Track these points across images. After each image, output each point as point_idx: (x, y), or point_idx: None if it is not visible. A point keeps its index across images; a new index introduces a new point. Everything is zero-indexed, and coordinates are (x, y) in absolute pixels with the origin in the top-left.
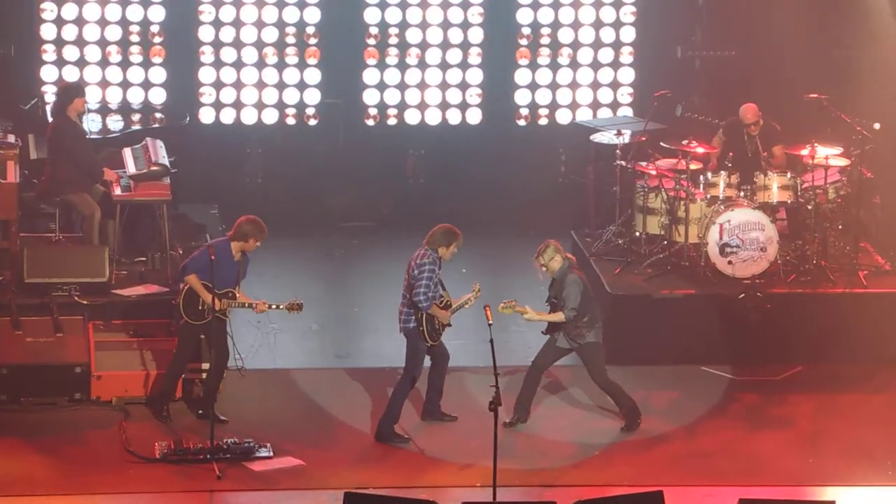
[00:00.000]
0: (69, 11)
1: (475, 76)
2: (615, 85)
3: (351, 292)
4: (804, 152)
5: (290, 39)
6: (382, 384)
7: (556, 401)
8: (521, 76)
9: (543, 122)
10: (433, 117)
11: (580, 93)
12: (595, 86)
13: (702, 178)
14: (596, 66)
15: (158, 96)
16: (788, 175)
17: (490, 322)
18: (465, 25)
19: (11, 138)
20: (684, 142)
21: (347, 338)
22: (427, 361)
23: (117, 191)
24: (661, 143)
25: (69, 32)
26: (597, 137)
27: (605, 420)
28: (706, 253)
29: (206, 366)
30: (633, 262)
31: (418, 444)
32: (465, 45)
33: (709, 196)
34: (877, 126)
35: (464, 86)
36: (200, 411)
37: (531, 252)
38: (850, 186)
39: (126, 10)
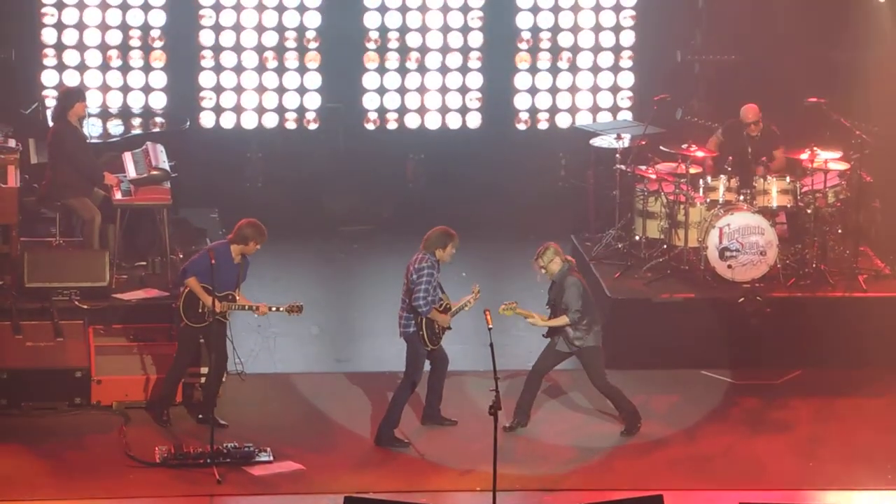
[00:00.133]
0: (70, 16)
1: (475, 80)
2: (615, 89)
3: (351, 296)
4: (804, 156)
5: (291, 44)
6: (382, 388)
7: (556, 405)
8: (521, 80)
9: (543, 126)
10: (433, 121)
11: (580, 97)
12: (595, 90)
13: (701, 181)
14: (596, 70)
15: (159, 100)
16: (788, 179)
17: (490, 326)
18: (464, 30)
19: (12, 143)
20: (684, 146)
21: (347, 342)
22: (427, 365)
23: (118, 195)
24: (661, 147)
25: (70, 37)
26: (596, 141)
27: (605, 424)
28: (706, 257)
29: (205, 370)
30: (633, 266)
31: (418, 449)
32: (464, 50)
33: (708, 200)
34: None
35: (464, 90)
36: (200, 416)
37: (531, 256)
38: (850, 190)
39: (127, 15)
